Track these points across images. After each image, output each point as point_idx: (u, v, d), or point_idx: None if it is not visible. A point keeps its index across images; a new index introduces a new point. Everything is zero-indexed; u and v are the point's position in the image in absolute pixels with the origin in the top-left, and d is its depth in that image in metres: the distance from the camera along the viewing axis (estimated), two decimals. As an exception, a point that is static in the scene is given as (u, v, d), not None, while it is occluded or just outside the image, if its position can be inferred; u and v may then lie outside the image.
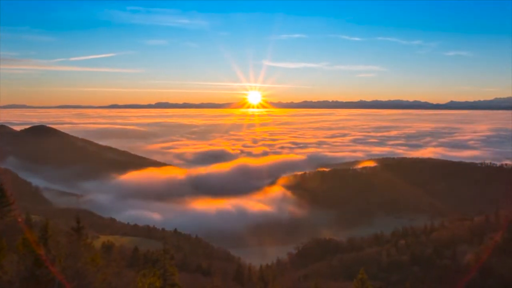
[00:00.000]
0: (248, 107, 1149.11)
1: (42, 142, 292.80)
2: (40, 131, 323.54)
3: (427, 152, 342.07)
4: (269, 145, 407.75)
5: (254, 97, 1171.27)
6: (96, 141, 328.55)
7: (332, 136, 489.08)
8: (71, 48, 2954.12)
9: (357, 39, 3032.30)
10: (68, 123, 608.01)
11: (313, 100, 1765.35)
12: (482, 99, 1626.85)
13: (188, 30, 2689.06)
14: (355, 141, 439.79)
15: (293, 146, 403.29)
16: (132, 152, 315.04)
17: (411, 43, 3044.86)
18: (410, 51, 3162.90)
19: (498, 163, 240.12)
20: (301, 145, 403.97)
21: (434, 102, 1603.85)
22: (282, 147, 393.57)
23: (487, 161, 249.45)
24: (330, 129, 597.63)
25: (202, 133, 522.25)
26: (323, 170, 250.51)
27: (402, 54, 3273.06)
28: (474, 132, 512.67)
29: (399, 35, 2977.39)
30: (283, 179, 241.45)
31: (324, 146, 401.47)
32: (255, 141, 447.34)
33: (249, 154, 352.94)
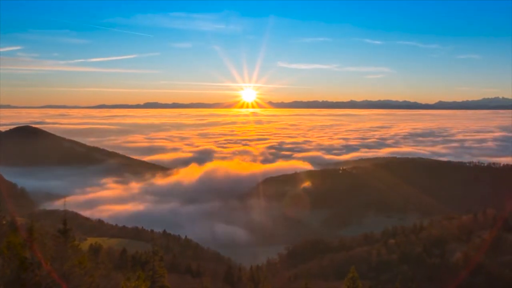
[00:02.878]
0: (241, 106, 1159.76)
1: (28, 143, 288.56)
2: (25, 132, 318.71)
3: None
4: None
5: (246, 97, 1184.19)
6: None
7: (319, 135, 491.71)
8: (97, 50, 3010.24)
9: (378, 42, 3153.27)
10: (52, 123, 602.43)
11: (303, 100, 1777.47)
12: (470, 99, 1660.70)
13: (219, 34, 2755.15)
14: (341, 141, 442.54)
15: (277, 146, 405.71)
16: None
17: (428, 47, 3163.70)
18: (423, 54, 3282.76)
19: (486, 162, 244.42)
20: (289, 145, 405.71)
21: (423, 102, 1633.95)
22: (270, 147, 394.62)
23: (475, 160, 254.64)
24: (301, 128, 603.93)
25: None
26: (313, 170, 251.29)
27: (414, 57, 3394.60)
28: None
29: (418, 39, 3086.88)
30: (272, 180, 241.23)
31: (310, 145, 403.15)
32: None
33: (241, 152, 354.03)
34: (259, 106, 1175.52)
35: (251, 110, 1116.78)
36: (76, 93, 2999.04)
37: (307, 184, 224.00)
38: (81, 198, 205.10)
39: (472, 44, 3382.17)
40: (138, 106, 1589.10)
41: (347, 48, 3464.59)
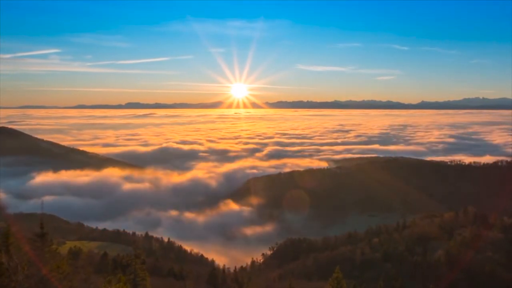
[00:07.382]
0: (228, 106, 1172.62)
1: (3, 144, 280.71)
2: (1, 133, 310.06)
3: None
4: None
5: (233, 98, 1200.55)
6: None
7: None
8: (135, 52, 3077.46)
9: (405, 48, 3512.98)
10: (29, 124, 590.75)
11: (288, 101, 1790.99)
12: (451, 99, 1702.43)
13: (259, 39, 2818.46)
14: (325, 141, 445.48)
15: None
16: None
17: (448, 52, 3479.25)
18: (437, 58, 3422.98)
19: (467, 162, 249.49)
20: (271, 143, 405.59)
21: (406, 102, 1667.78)
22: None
23: (457, 160, 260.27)
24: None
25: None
26: (298, 171, 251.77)
27: (424, 60, 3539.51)
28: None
29: (440, 45, 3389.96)
30: (255, 180, 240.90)
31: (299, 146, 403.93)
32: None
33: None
34: (253, 106, 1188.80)
35: (241, 110, 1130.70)
36: (65, 93, 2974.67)
37: (291, 184, 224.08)
38: (60, 200, 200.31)
39: (479, 48, 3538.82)
40: (119, 107, 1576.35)
41: (371, 53, 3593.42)
